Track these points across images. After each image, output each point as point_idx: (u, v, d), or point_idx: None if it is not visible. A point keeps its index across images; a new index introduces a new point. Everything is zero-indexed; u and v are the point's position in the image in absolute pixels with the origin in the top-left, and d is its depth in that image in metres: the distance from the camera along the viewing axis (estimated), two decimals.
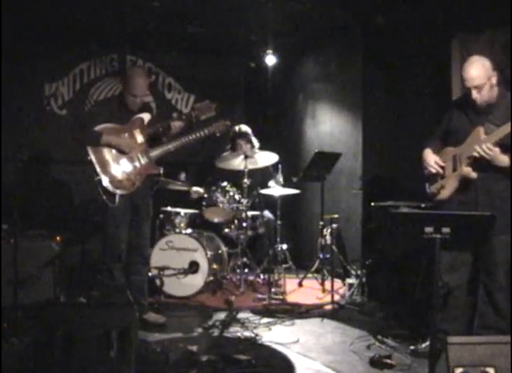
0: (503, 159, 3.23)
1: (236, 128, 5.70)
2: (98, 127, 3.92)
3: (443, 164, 3.53)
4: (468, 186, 3.38)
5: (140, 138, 4.02)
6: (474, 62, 3.34)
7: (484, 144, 3.22)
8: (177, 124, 4.14)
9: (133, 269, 4.21)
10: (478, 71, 3.29)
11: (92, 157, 3.91)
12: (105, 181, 3.87)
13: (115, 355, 2.84)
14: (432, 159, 3.57)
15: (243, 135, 5.70)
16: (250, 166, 5.20)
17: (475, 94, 3.31)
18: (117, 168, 3.94)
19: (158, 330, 4.07)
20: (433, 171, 3.55)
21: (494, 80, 3.32)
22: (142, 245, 4.22)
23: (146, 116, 4.10)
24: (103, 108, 4.27)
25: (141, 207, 4.15)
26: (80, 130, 4.12)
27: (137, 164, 3.99)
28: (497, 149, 3.22)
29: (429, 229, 2.70)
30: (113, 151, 3.94)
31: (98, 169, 3.89)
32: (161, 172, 4.13)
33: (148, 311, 4.27)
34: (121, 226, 4.06)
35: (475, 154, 3.27)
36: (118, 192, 3.90)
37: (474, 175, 3.33)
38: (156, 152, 4.06)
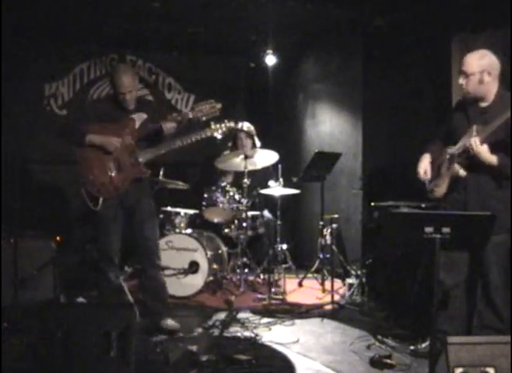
0: (488, 157, 3.23)
1: (239, 124, 5.69)
2: (86, 126, 3.84)
3: (429, 175, 3.58)
4: (459, 184, 3.41)
5: (128, 140, 3.87)
6: (477, 52, 3.37)
7: (472, 138, 3.23)
8: (168, 126, 3.91)
9: (145, 274, 4.08)
10: (473, 60, 3.32)
11: (78, 158, 3.87)
12: (87, 184, 3.83)
13: (115, 355, 2.84)
14: (422, 168, 3.61)
15: (245, 131, 5.68)
16: (250, 167, 5.20)
17: (460, 79, 3.35)
18: (101, 171, 3.83)
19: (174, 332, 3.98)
20: (420, 178, 3.61)
21: (487, 76, 3.30)
22: (147, 248, 4.04)
23: (140, 117, 3.93)
24: (96, 107, 4.12)
25: (136, 210, 3.99)
26: (68, 129, 4.03)
27: (122, 167, 3.85)
28: (485, 146, 3.22)
29: (429, 229, 2.70)
30: (98, 152, 3.83)
31: (81, 171, 3.85)
32: (148, 173, 3.94)
33: (165, 318, 4.05)
34: (111, 230, 3.94)
35: (463, 153, 3.29)
36: (100, 196, 3.82)
37: (462, 172, 3.35)
38: (144, 155, 3.89)
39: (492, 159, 3.23)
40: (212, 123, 4.06)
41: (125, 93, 3.86)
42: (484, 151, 3.23)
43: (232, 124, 4.12)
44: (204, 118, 4.00)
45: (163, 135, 3.96)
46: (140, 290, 4.16)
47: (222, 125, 4.06)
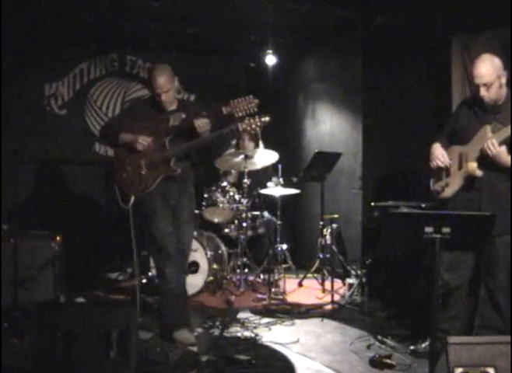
0: (506, 159, 3.23)
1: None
2: (121, 125, 3.86)
3: (449, 160, 3.51)
4: (473, 184, 3.37)
5: (161, 139, 3.81)
6: (484, 60, 3.34)
7: (490, 140, 3.21)
8: (200, 123, 3.73)
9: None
10: (488, 69, 3.28)
11: (115, 156, 3.92)
12: (121, 181, 3.83)
13: (115, 355, 2.84)
14: (439, 153, 3.54)
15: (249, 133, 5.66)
16: (250, 167, 5.20)
17: (483, 91, 3.30)
18: (133, 169, 3.83)
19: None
20: (439, 164, 3.51)
21: (503, 79, 3.32)
22: (178, 250, 3.89)
23: (178, 116, 3.84)
24: (135, 107, 4.11)
25: (178, 210, 3.91)
26: (105, 129, 4.10)
27: (153, 165, 3.81)
28: (503, 148, 3.21)
29: (429, 229, 2.70)
30: (132, 151, 3.82)
31: (117, 169, 3.85)
32: (179, 171, 3.83)
33: (179, 329, 3.79)
34: (163, 225, 3.81)
35: (479, 153, 3.27)
36: (130, 194, 3.80)
37: (479, 173, 3.31)
38: (174, 152, 3.81)
39: (508, 161, 3.22)
40: (247, 118, 3.82)
41: (160, 93, 3.80)
42: (503, 153, 3.22)
43: (267, 119, 3.84)
44: (240, 114, 3.76)
45: (197, 132, 3.79)
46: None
47: (257, 120, 3.83)
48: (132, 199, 3.81)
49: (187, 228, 3.97)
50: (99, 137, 3.90)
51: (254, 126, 3.82)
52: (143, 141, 3.81)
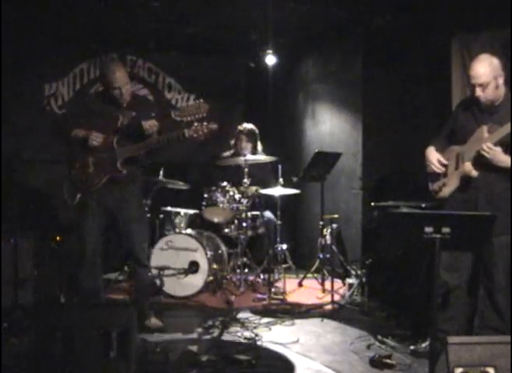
0: (503, 159, 3.22)
1: (243, 126, 5.70)
2: (74, 122, 3.86)
3: (445, 162, 3.52)
4: (469, 184, 3.38)
5: (110, 137, 3.81)
6: (482, 60, 3.34)
7: (484, 143, 3.22)
8: (147, 125, 3.77)
9: (134, 272, 4.16)
10: (484, 69, 3.29)
11: (67, 153, 3.91)
12: (70, 178, 3.84)
13: (115, 355, 2.84)
14: (434, 157, 3.56)
15: (247, 134, 5.69)
16: (250, 161, 5.21)
17: (478, 91, 3.31)
18: (81, 166, 3.83)
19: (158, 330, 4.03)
20: (435, 169, 3.54)
21: (501, 80, 3.31)
22: (132, 248, 4.02)
23: (128, 115, 3.85)
24: (88, 103, 4.10)
25: (120, 210, 3.93)
26: (56, 125, 4.12)
27: (100, 164, 3.81)
28: (498, 149, 3.21)
29: (429, 229, 2.70)
30: (83, 148, 3.81)
31: (68, 166, 3.87)
32: (124, 172, 3.82)
33: (148, 316, 4.09)
34: (86, 230, 3.90)
35: (475, 154, 3.28)
36: (77, 192, 3.83)
37: (475, 173, 3.33)
38: (121, 153, 3.80)
39: (507, 161, 3.22)
40: (195, 124, 3.79)
41: (120, 87, 3.82)
42: (499, 154, 3.22)
43: (214, 126, 3.82)
44: (189, 118, 3.75)
45: (145, 134, 3.81)
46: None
47: (204, 127, 3.77)
48: (78, 196, 3.83)
49: (135, 227, 3.97)
50: (51, 134, 3.97)
51: (200, 133, 3.77)
52: (96, 138, 3.80)
